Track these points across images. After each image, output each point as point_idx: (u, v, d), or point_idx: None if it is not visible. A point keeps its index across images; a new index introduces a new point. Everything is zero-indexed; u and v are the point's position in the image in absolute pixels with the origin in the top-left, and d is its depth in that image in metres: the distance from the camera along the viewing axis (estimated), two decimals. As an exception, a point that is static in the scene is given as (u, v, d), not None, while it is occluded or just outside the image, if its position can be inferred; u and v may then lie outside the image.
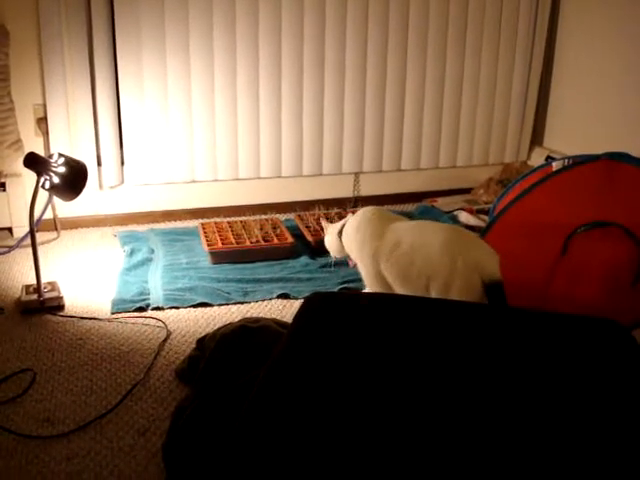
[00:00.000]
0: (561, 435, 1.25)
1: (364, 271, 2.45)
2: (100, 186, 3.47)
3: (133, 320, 2.57)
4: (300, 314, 1.63)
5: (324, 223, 2.78)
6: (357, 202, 3.82)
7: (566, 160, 2.59)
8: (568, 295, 2.47)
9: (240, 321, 2.25)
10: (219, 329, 2.20)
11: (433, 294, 2.17)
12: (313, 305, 1.67)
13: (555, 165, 2.61)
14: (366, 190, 3.88)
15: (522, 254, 2.52)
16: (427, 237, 2.23)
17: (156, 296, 2.72)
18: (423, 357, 1.46)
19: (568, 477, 1.17)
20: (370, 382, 1.37)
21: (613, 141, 3.36)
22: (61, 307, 2.64)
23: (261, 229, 3.24)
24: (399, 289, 2.31)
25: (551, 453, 1.20)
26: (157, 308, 2.65)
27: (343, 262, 2.91)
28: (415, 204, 3.88)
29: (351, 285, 2.82)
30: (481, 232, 2.61)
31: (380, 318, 1.62)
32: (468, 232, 2.34)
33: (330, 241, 2.65)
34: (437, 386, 1.36)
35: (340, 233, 2.57)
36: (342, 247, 2.58)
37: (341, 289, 2.83)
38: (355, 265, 2.58)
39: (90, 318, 2.57)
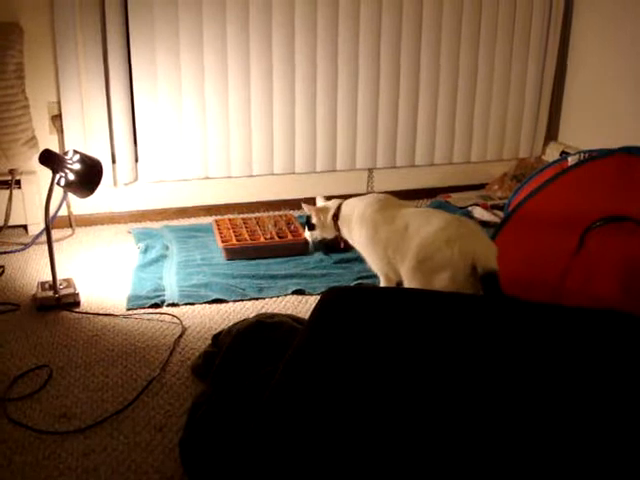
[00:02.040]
0: (580, 428, 1.24)
1: (373, 257, 2.53)
2: (114, 183, 3.48)
3: (148, 316, 2.57)
4: (318, 308, 1.63)
5: (306, 206, 2.84)
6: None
7: (582, 155, 2.58)
8: (584, 290, 2.46)
9: (256, 317, 2.25)
10: (235, 325, 2.20)
11: (417, 275, 2.24)
12: (331, 300, 1.67)
13: (571, 160, 2.60)
14: (380, 186, 3.87)
15: (538, 249, 2.51)
16: (430, 222, 2.31)
17: (171, 292, 2.73)
18: (441, 351, 1.46)
19: (586, 472, 1.16)
20: (388, 377, 1.36)
21: (628, 136, 3.34)
22: (77, 303, 2.65)
23: (275, 225, 3.24)
24: (400, 268, 2.38)
25: (570, 447, 1.19)
26: (172, 304, 2.65)
27: (356, 258, 2.91)
28: (429, 200, 3.86)
29: (366, 281, 2.81)
30: (496, 227, 2.60)
31: (398, 313, 1.62)
32: (470, 222, 2.40)
33: (321, 222, 2.77)
34: (455, 380, 1.36)
35: (335, 217, 2.70)
36: (335, 229, 2.73)
37: (356, 285, 2.82)
38: (344, 246, 2.79)
39: (105, 314, 2.58)
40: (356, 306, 1.64)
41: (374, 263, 2.55)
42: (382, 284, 2.55)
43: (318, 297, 2.64)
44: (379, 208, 2.51)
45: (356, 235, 2.60)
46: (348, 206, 2.68)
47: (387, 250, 2.42)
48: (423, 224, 2.32)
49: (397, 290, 2.12)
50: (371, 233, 2.50)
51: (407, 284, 2.32)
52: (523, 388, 1.34)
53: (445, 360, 1.42)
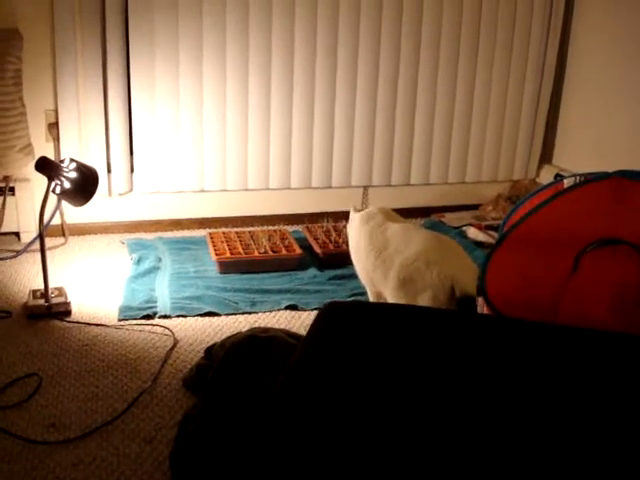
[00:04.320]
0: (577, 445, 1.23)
1: (358, 267, 2.60)
2: (109, 193, 3.47)
3: (140, 328, 2.56)
4: (317, 322, 1.62)
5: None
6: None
7: (577, 177, 2.58)
8: (578, 313, 2.45)
9: (249, 331, 2.24)
10: (228, 338, 2.19)
11: (400, 294, 2.24)
12: (330, 314, 1.66)
13: (566, 182, 2.60)
14: (374, 204, 3.84)
15: (532, 271, 2.50)
16: (411, 242, 2.32)
17: (163, 304, 2.71)
18: (443, 368, 1.45)
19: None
20: (389, 392, 1.36)
21: (623, 160, 3.35)
22: (68, 313, 2.63)
23: (269, 240, 3.23)
24: (384, 289, 2.39)
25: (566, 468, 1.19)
26: (164, 316, 2.64)
27: (350, 275, 2.90)
28: (423, 219, 3.87)
29: (360, 298, 2.80)
30: (491, 248, 2.60)
31: (398, 329, 1.62)
32: (451, 242, 2.41)
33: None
34: (457, 398, 1.35)
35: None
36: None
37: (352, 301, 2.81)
38: None
39: (97, 324, 2.56)
40: (356, 321, 1.64)
41: (358, 272, 2.62)
42: (370, 297, 2.59)
43: (311, 313, 2.68)
44: (365, 228, 2.55)
45: (351, 250, 2.66)
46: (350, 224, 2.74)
47: (367, 265, 2.46)
48: (403, 244, 2.33)
49: (397, 306, 2.11)
50: (354, 250, 2.58)
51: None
52: (525, 408, 1.34)
53: (447, 377, 1.42)
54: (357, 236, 2.58)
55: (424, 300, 2.18)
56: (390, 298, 2.32)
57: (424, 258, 2.20)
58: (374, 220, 2.54)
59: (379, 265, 2.37)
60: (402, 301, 2.26)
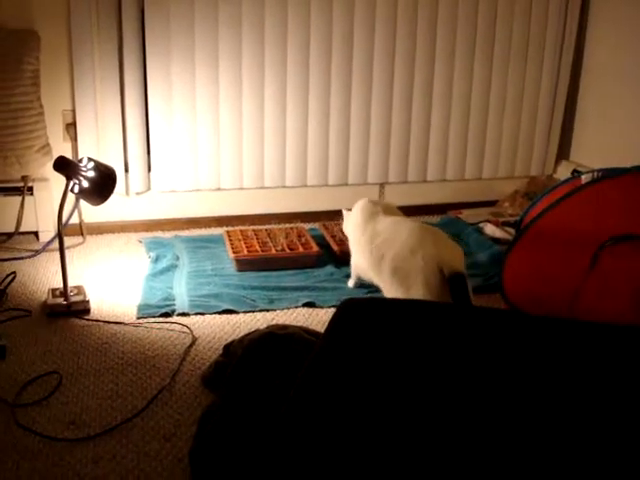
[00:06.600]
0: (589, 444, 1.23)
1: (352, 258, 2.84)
2: (127, 192, 3.49)
3: (158, 325, 2.57)
4: (336, 319, 1.62)
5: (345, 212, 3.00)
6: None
7: (595, 173, 2.57)
8: (596, 308, 2.45)
9: (267, 328, 2.24)
10: (246, 335, 2.19)
11: (394, 286, 2.38)
12: (349, 310, 1.67)
13: (584, 178, 2.60)
14: (391, 200, 3.86)
15: (550, 266, 2.50)
16: (398, 233, 2.46)
17: (181, 302, 2.72)
18: (459, 364, 1.45)
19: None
20: (408, 387, 1.36)
21: (641, 155, 3.33)
22: (87, 311, 2.65)
23: (286, 237, 3.24)
24: (378, 279, 2.54)
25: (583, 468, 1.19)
26: (182, 314, 2.65)
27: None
28: (440, 216, 3.86)
29: (377, 294, 2.80)
30: (509, 244, 2.60)
31: (414, 324, 1.62)
32: (435, 229, 2.50)
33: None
34: (481, 395, 1.35)
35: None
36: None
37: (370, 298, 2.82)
38: None
39: (116, 322, 2.58)
40: (374, 317, 1.64)
41: (352, 263, 2.86)
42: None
43: (329, 310, 2.69)
44: (361, 212, 2.73)
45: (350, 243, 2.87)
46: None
47: (360, 259, 2.68)
48: (392, 236, 2.47)
49: (413, 302, 2.11)
50: (351, 240, 2.81)
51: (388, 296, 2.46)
52: (544, 403, 1.34)
53: (466, 372, 1.42)
54: (353, 228, 2.76)
55: (417, 285, 2.29)
56: (386, 286, 2.46)
57: (409, 247, 2.35)
58: (367, 212, 2.70)
59: (369, 255, 2.54)
60: (397, 289, 2.38)
